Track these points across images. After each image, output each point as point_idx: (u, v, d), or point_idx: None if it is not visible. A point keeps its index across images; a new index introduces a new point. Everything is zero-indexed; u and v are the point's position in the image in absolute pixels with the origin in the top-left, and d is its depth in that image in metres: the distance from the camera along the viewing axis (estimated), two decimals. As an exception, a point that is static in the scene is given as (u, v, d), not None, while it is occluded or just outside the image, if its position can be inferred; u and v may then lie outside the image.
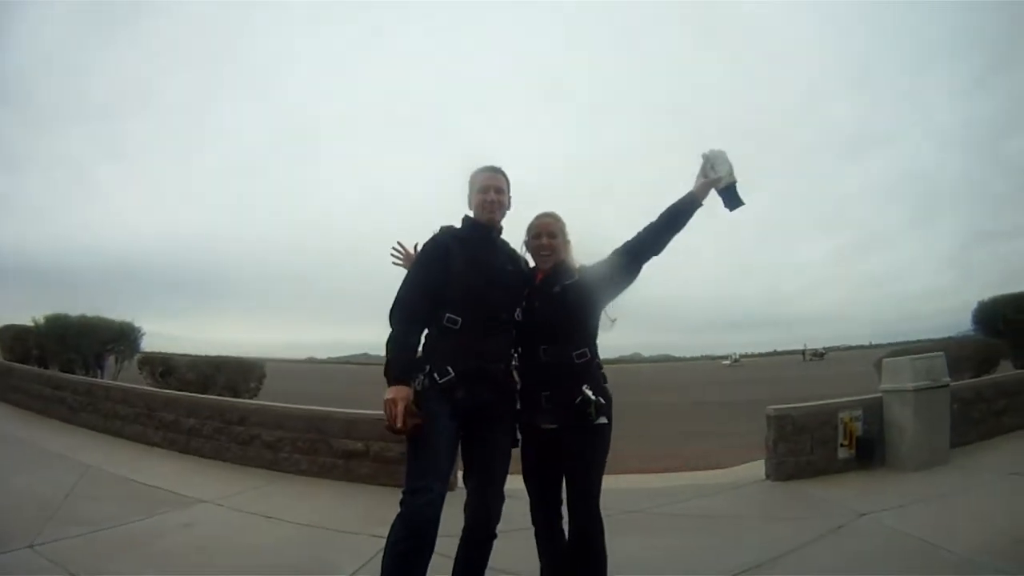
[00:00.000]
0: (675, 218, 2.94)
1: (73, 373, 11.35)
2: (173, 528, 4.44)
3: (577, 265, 3.05)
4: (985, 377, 9.68)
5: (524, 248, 3.16)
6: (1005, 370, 11.73)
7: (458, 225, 3.06)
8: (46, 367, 12.20)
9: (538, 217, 3.11)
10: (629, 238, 2.97)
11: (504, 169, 3.11)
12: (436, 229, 3.03)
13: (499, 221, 3.07)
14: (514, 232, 3.18)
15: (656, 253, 2.99)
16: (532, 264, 3.15)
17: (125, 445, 7.49)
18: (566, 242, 3.08)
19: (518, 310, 2.96)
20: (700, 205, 2.98)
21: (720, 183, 2.94)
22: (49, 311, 13.36)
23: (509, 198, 3.10)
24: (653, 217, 2.97)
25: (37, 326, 13.33)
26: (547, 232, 3.04)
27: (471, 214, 3.06)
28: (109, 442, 7.65)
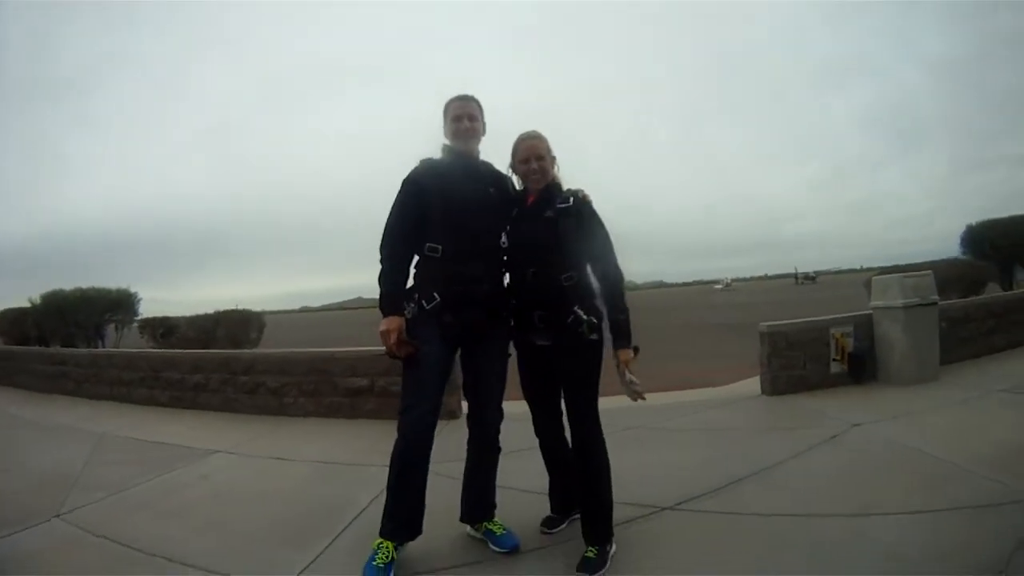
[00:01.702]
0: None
1: (75, 346, 11.39)
2: (191, 480, 4.54)
3: (566, 187, 3.07)
4: (974, 297, 9.83)
5: (511, 171, 3.19)
6: (993, 292, 11.89)
7: (438, 155, 3.13)
8: (47, 345, 12.25)
9: (523, 139, 3.11)
10: (606, 273, 2.94)
11: (476, 96, 3.16)
12: (416, 162, 3.08)
13: (475, 147, 3.15)
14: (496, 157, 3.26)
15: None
16: (520, 186, 3.19)
17: (134, 409, 7.57)
18: (552, 159, 3.10)
19: (503, 234, 3.05)
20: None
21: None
22: (42, 291, 13.36)
23: (483, 124, 3.16)
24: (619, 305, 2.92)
25: (34, 305, 13.33)
26: (535, 155, 3.04)
27: (448, 143, 3.13)
28: (118, 408, 7.73)
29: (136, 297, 13.52)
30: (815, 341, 6.24)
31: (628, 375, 2.92)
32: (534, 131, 3.13)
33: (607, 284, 2.94)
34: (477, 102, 3.15)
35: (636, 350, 2.94)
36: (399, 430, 2.87)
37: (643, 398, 2.98)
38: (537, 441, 3.28)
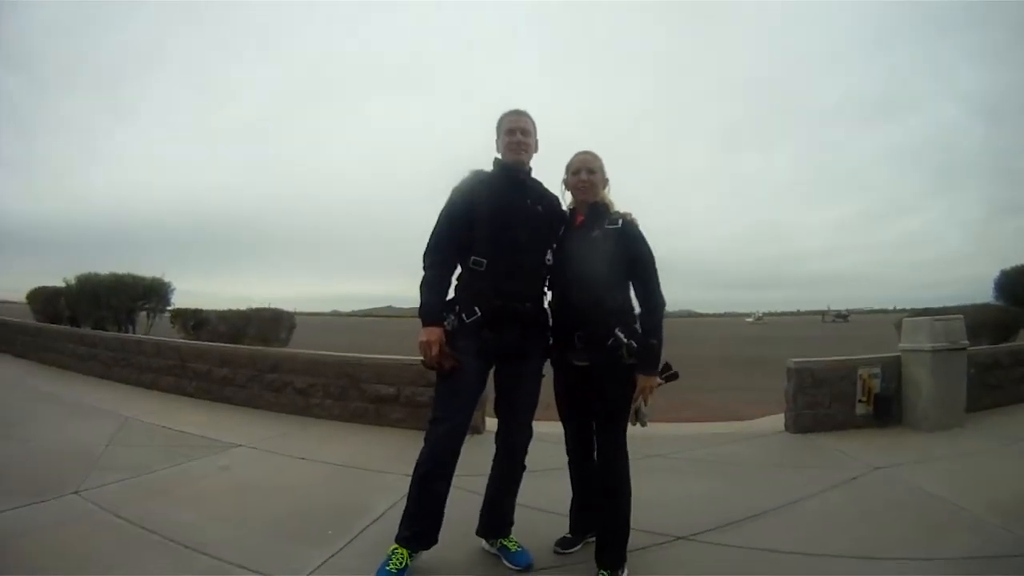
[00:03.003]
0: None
1: (105, 330, 11.58)
2: (211, 471, 4.60)
3: (618, 209, 3.09)
4: (1004, 344, 9.63)
5: (563, 187, 3.22)
6: (1024, 339, 11.66)
7: (488, 168, 3.14)
8: (78, 326, 12.47)
9: (577, 154, 3.16)
10: (647, 297, 2.97)
11: (530, 112, 3.17)
12: (466, 172, 3.10)
13: (527, 162, 3.14)
14: (546, 177, 3.25)
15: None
16: (570, 203, 3.22)
17: (160, 397, 7.70)
18: (605, 180, 3.14)
19: (550, 252, 3.07)
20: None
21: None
22: (76, 273, 13.61)
23: (536, 141, 3.17)
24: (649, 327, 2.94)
25: (69, 286, 13.56)
26: (586, 168, 3.09)
27: (500, 156, 3.14)
28: (144, 394, 7.87)
29: (170, 287, 13.72)
30: (842, 380, 6.17)
31: (641, 402, 2.93)
32: (590, 149, 3.18)
33: (647, 308, 2.95)
34: (531, 118, 3.16)
35: (675, 376, 2.97)
36: (427, 440, 2.88)
37: (644, 425, 2.99)
38: (562, 461, 3.31)
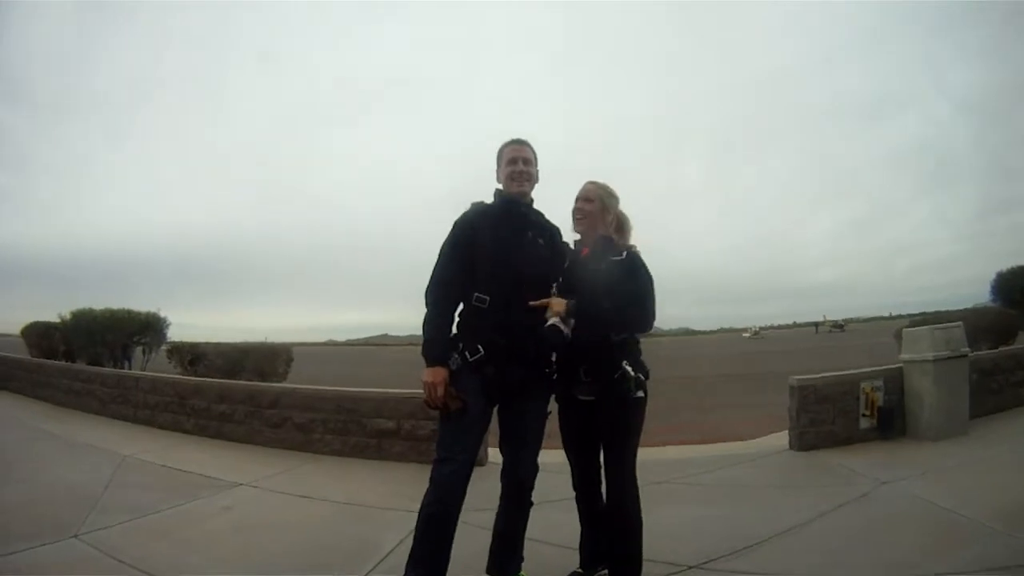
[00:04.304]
0: None
1: (102, 366, 11.50)
2: (213, 512, 4.53)
3: (628, 243, 3.06)
4: (1004, 348, 9.64)
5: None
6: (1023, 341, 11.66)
7: (489, 200, 3.10)
8: (73, 361, 12.37)
9: (584, 184, 3.12)
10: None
11: (531, 142, 3.13)
12: (468, 205, 3.06)
13: (528, 193, 3.10)
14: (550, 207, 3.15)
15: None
16: (574, 235, 3.18)
17: (158, 434, 7.59)
18: (605, 210, 3.07)
19: (554, 285, 3.02)
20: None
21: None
22: (70, 308, 13.56)
23: (537, 171, 3.12)
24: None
25: (63, 322, 13.48)
26: (584, 196, 3.06)
27: (501, 187, 3.11)
28: (142, 432, 7.76)
29: (165, 321, 13.69)
30: (845, 395, 6.15)
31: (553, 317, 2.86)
32: (598, 181, 3.13)
33: (639, 308, 2.91)
34: (532, 147, 3.12)
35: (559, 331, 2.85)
36: (432, 480, 2.82)
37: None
38: (569, 490, 3.27)
